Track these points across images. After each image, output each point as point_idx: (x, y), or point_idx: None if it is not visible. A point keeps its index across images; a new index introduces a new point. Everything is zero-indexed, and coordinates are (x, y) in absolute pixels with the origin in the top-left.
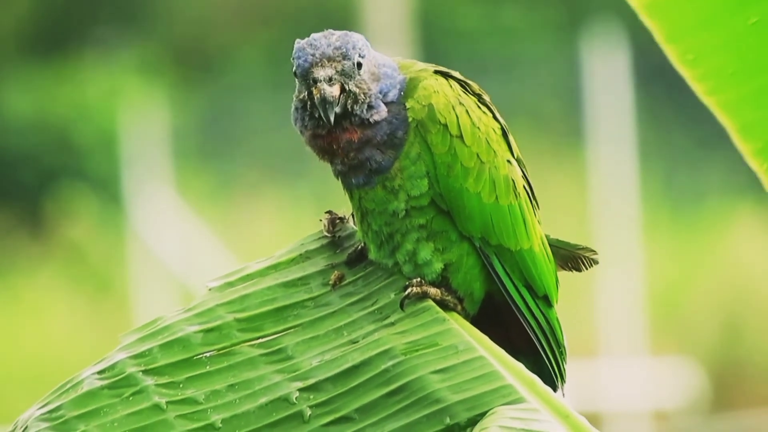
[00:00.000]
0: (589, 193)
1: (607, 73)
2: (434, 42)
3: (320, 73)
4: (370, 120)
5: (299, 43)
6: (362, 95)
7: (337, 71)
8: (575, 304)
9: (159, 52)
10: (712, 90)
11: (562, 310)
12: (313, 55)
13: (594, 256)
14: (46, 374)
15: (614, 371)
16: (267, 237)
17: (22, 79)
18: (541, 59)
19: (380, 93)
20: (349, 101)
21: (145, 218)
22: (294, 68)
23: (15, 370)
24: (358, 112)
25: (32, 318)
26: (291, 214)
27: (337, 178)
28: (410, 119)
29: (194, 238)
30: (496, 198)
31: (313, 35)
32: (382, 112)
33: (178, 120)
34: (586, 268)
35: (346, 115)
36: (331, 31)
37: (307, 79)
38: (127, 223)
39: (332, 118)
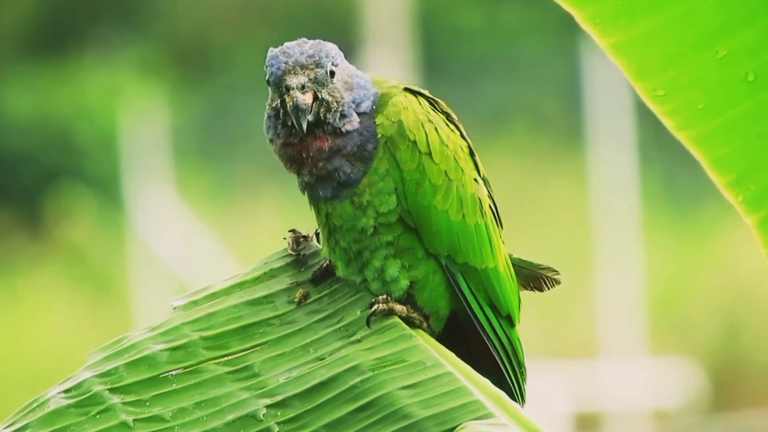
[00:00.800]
0: (589, 193)
1: (607, 73)
2: (434, 42)
3: (293, 81)
4: (342, 129)
5: (272, 51)
6: (335, 104)
7: (309, 79)
8: (576, 305)
9: (159, 52)
10: (683, 125)
11: (563, 310)
12: (285, 62)
13: (556, 276)
14: (46, 374)
15: (614, 371)
16: (267, 237)
17: (22, 79)
18: (541, 59)
19: (353, 102)
20: (322, 109)
21: (145, 218)
22: (267, 76)
23: (15, 370)
24: (331, 121)
25: (32, 318)
26: (291, 214)
27: (303, 192)
28: (379, 135)
29: (194, 238)
30: (463, 216)
31: (287, 44)
32: (354, 122)
33: (178, 120)
34: (548, 288)
35: (318, 123)
36: (304, 39)
37: (279, 86)
38: (127, 223)
39: (305, 126)
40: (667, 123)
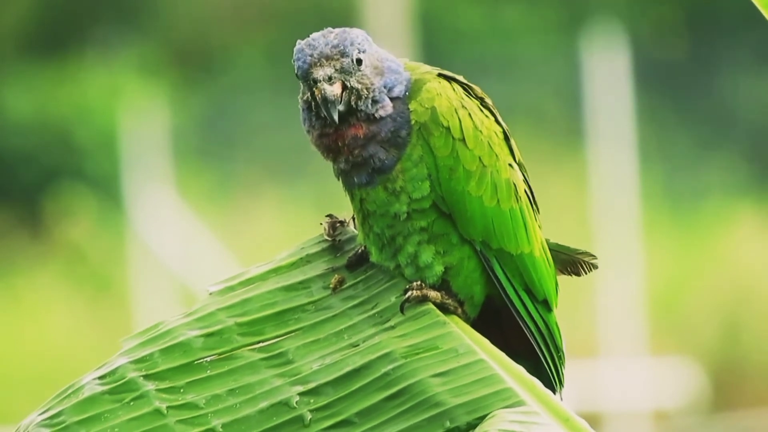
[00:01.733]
0: (589, 193)
1: (607, 73)
2: (434, 42)
3: (319, 73)
4: (376, 115)
5: (299, 44)
6: (365, 90)
7: (336, 69)
8: (576, 305)
9: (159, 52)
10: None
11: (563, 310)
12: (311, 55)
13: (593, 261)
14: (46, 374)
15: (614, 371)
16: (267, 237)
17: (22, 79)
18: (541, 59)
19: (384, 87)
20: (352, 97)
21: (145, 218)
22: (295, 70)
23: (15, 370)
24: (363, 108)
25: (32, 318)
26: (291, 214)
27: (338, 178)
28: (413, 121)
29: (194, 238)
30: (498, 202)
31: (312, 35)
32: (387, 107)
33: (178, 120)
34: (586, 273)
35: (351, 111)
36: (329, 29)
37: (307, 80)
38: (127, 223)
39: (336, 117)
40: None
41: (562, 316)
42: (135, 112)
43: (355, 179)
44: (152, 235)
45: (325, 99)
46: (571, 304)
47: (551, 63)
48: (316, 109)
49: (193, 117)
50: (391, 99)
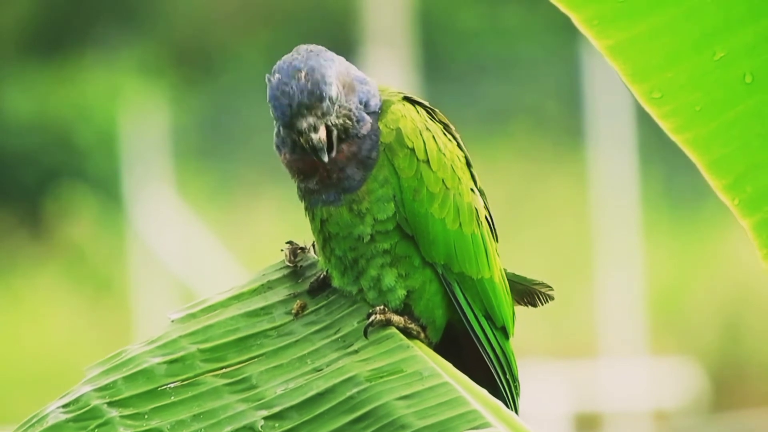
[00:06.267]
0: (589, 194)
1: (607, 73)
2: (434, 42)
3: (302, 124)
4: (359, 134)
5: (271, 86)
6: (347, 120)
7: (317, 117)
8: (576, 305)
9: (159, 52)
10: (680, 127)
11: (562, 310)
12: (289, 105)
13: (550, 292)
14: (46, 374)
15: (614, 371)
16: (267, 237)
17: (22, 79)
18: (541, 59)
19: (361, 103)
20: (335, 131)
21: (145, 218)
22: (272, 112)
23: (15, 370)
24: (352, 133)
25: (32, 318)
26: (291, 214)
27: (302, 199)
28: (379, 142)
29: (194, 238)
30: (460, 225)
31: (281, 78)
32: (368, 124)
33: (178, 120)
34: (542, 304)
35: (338, 140)
36: (296, 65)
37: (290, 129)
38: (127, 223)
39: (326, 158)
40: (664, 126)
41: (561, 315)
42: (135, 112)
43: (323, 196)
44: (152, 235)
45: (313, 148)
46: (571, 304)
47: (551, 63)
48: (302, 149)
49: (193, 117)
50: (369, 114)
